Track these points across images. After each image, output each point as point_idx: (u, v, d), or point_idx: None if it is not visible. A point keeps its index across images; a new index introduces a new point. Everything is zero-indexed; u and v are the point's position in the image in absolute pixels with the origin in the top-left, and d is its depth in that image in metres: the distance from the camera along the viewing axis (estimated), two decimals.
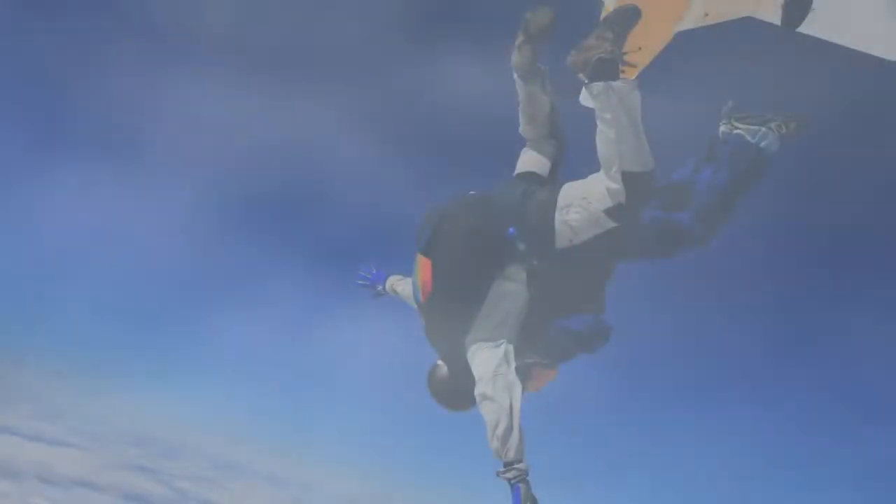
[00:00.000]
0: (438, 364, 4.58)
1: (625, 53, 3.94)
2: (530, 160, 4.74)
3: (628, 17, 4.18)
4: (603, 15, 4.69)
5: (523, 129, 4.76)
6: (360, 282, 6.02)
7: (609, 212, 3.97)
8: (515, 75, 4.56)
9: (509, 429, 3.98)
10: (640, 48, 4.25)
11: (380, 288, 5.90)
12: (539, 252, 4.23)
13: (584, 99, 4.64)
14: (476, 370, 4.20)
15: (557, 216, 4.12)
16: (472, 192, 4.49)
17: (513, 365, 4.20)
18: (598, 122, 3.84)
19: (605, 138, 3.83)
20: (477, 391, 4.14)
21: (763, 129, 4.31)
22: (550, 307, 4.36)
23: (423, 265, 4.40)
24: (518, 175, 4.68)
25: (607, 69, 3.79)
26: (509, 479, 3.93)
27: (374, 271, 5.97)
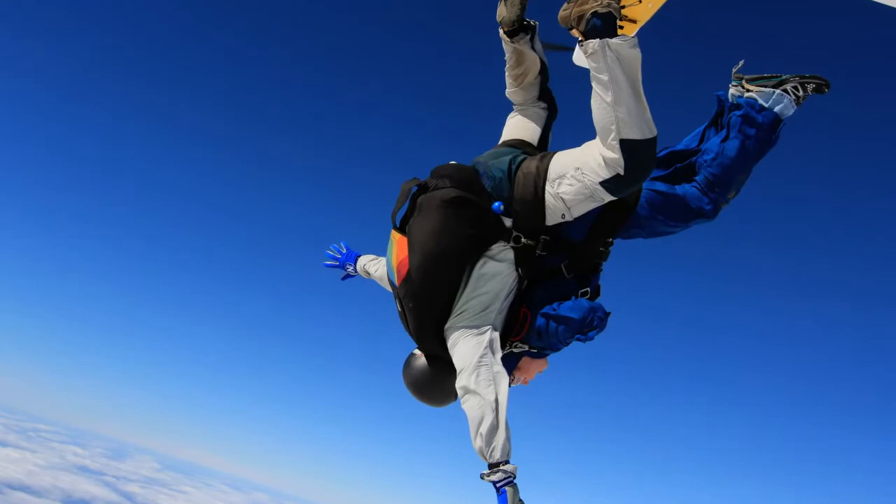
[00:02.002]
0: (415, 354, 4.56)
1: (623, 7, 3.89)
2: (517, 126, 4.71)
3: None
4: None
5: (510, 91, 4.73)
6: (328, 262, 6.00)
7: (606, 184, 3.93)
8: (501, 31, 4.53)
9: (494, 426, 3.97)
10: (640, 0, 4.22)
11: (350, 269, 5.88)
12: (528, 228, 4.22)
13: (578, 58, 4.61)
14: (457, 360, 4.18)
15: (548, 189, 4.10)
16: (452, 162, 4.45)
17: (499, 354, 4.19)
18: (594, 84, 3.78)
19: (601, 102, 3.77)
20: (458, 384, 4.13)
21: (778, 91, 4.31)
22: (541, 290, 4.35)
23: (398, 243, 4.37)
24: (504, 143, 4.65)
25: (604, 25, 3.75)
26: (494, 483, 3.93)
27: (344, 250, 5.94)
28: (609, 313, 4.29)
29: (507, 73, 4.67)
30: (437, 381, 4.42)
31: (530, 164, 4.21)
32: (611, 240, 4.43)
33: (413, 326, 4.44)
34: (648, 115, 3.75)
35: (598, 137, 3.87)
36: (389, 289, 4.63)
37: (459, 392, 4.12)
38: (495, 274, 4.23)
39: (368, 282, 5.69)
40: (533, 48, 4.59)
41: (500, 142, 4.67)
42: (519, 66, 4.62)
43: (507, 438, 3.98)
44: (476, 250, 4.23)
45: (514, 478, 3.94)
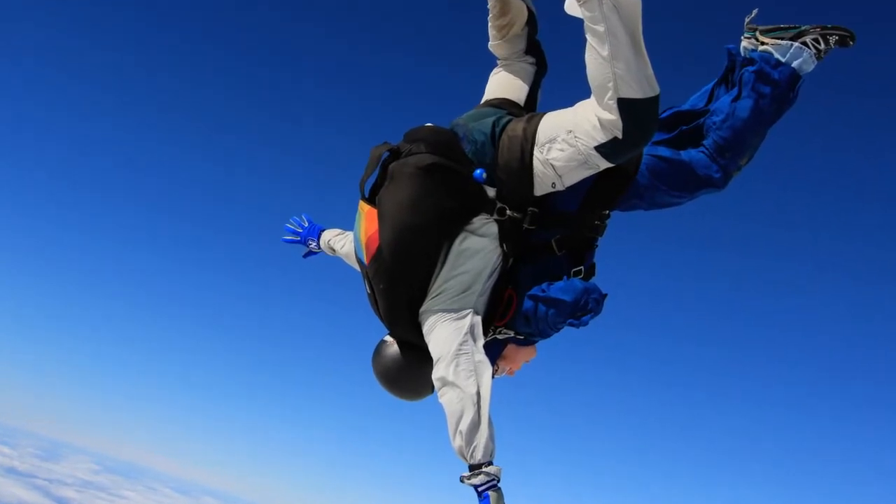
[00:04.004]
0: (386, 341, 4.56)
1: None
2: (502, 84, 4.70)
3: None
4: None
5: (493, 44, 4.71)
6: (287, 237, 5.96)
7: (602, 149, 3.91)
8: None
9: (476, 423, 3.96)
10: None
11: (313, 245, 5.84)
12: (514, 199, 4.21)
13: (571, 7, 4.60)
14: (434, 348, 4.19)
15: (536, 154, 4.08)
16: (428, 125, 4.43)
17: (481, 341, 4.19)
18: (588, 36, 3.76)
19: (596, 56, 3.74)
20: (435, 375, 4.12)
21: (796, 44, 4.29)
22: (529, 269, 4.35)
23: (367, 216, 4.35)
24: (487, 102, 4.64)
25: None
26: (476, 486, 3.93)
27: (306, 224, 5.90)
28: (605, 295, 4.29)
29: (490, 24, 4.65)
30: (410, 372, 4.42)
31: (516, 127, 4.19)
32: (607, 212, 4.42)
33: (384, 310, 4.43)
34: (650, 70, 3.72)
35: (592, 96, 3.85)
36: (357, 267, 4.62)
37: (436, 384, 4.11)
38: (477, 251, 4.22)
39: (333, 260, 5.67)
40: None
41: (483, 101, 4.66)
42: (503, 16, 4.61)
43: (491, 437, 3.97)
44: (455, 224, 4.21)
45: (498, 481, 3.93)
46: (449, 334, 4.13)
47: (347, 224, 5.08)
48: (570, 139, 3.98)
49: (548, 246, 4.34)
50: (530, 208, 4.22)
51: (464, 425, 3.94)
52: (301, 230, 5.90)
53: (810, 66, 4.29)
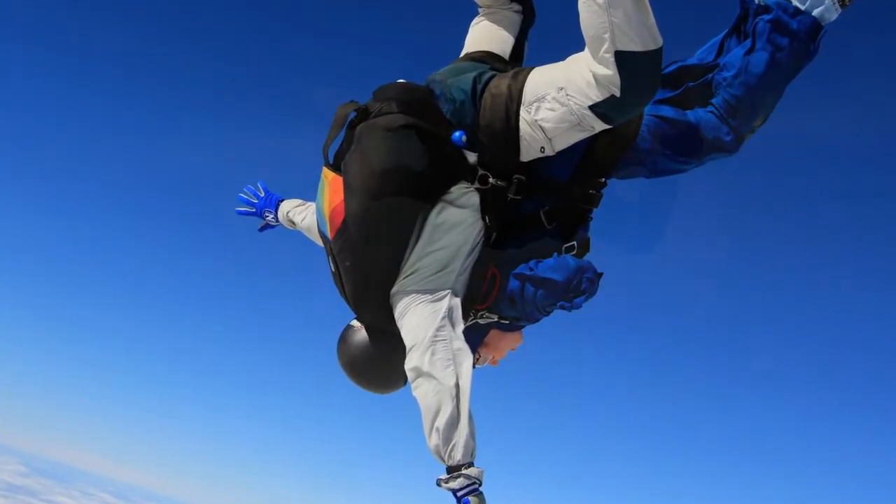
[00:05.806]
0: (353, 326, 4.55)
1: None
2: (484, 35, 4.68)
3: None
4: None
5: None
6: (241, 208, 5.90)
7: (597, 108, 3.88)
8: None
9: (455, 419, 3.96)
10: None
11: (270, 217, 5.79)
12: (497, 165, 4.20)
13: None
14: (407, 335, 4.18)
15: (523, 114, 4.06)
16: (400, 81, 4.41)
17: (460, 327, 4.19)
18: None
19: (591, 4, 3.71)
20: (408, 365, 4.12)
21: None
22: (514, 244, 4.33)
23: (331, 184, 4.33)
24: (467, 56, 4.62)
25: None
26: (454, 491, 3.93)
27: (262, 194, 5.83)
28: (601, 274, 4.28)
29: None
30: (380, 362, 4.42)
31: (500, 84, 4.16)
32: (603, 180, 4.41)
33: (350, 290, 4.42)
34: (652, 20, 3.69)
35: (587, 49, 3.83)
36: (320, 242, 4.61)
37: (410, 375, 4.11)
38: (456, 224, 4.21)
39: (293, 234, 5.63)
40: None
41: (462, 54, 4.64)
42: None
43: (471, 434, 3.97)
44: (431, 193, 4.18)
45: (480, 485, 3.94)
46: (424, 319, 4.12)
47: (309, 194, 5.05)
48: (561, 97, 3.95)
49: (536, 219, 4.32)
50: (516, 176, 4.21)
51: (441, 421, 3.94)
52: (256, 200, 5.82)
53: (833, 15, 4.26)
